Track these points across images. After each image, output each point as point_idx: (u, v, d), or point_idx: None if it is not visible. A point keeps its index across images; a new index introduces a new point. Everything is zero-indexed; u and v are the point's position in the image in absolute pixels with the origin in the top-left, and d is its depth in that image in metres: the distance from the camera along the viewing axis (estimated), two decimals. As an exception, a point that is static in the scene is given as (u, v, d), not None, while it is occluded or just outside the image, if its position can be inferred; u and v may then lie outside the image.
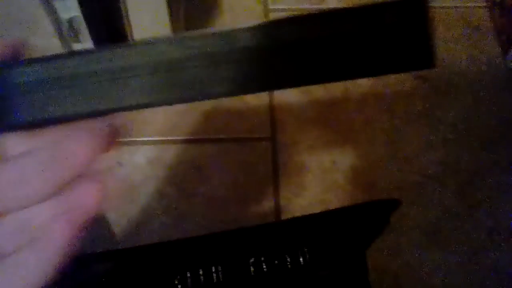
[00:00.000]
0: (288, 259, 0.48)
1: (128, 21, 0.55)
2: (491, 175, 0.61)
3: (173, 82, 0.20)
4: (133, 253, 0.50)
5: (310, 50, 0.19)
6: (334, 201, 0.58)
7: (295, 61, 0.19)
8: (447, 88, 0.63)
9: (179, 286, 0.48)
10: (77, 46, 0.58)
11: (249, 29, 0.19)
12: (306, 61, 0.19)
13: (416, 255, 0.57)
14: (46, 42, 0.63)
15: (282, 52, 0.19)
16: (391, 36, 0.19)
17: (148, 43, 0.19)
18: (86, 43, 0.57)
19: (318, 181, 0.58)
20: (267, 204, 0.57)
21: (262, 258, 0.48)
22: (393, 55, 0.19)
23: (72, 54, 0.19)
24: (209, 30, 0.19)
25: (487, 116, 0.63)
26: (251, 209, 0.57)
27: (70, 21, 0.55)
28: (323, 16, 0.19)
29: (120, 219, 0.55)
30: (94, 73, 0.19)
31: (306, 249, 0.48)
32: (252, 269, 0.47)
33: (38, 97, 0.19)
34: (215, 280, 0.48)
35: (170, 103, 0.20)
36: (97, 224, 0.55)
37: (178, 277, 0.48)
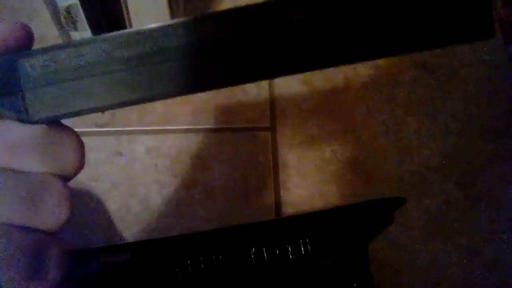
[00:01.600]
0: (290, 250, 0.48)
1: (126, 8, 0.54)
2: (493, 166, 0.60)
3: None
4: (138, 247, 0.50)
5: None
6: (335, 192, 0.57)
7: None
8: (449, 78, 0.63)
9: (179, 275, 0.47)
10: (74, 35, 0.57)
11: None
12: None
13: (417, 246, 0.57)
14: (43, 31, 0.62)
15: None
16: (445, 2, 0.18)
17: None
18: (83, 31, 0.56)
19: (319, 172, 0.58)
20: (267, 195, 0.57)
21: (264, 249, 0.47)
22: (448, 24, 0.18)
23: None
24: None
25: (489, 107, 0.62)
26: (251, 200, 0.57)
27: (68, 9, 0.54)
28: None
29: (119, 208, 0.55)
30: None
31: (308, 240, 0.48)
32: (253, 257, 0.47)
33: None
34: (215, 269, 0.48)
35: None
36: (95, 214, 0.55)
37: (178, 267, 0.48)
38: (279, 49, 0.18)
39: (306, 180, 0.58)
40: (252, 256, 0.48)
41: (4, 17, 0.63)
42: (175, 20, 0.18)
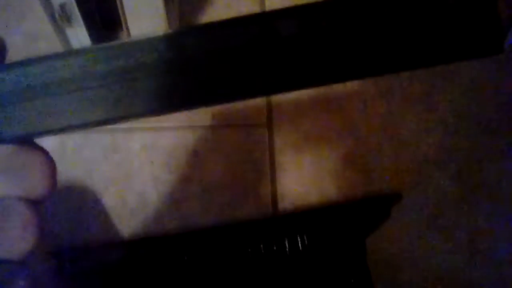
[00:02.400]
0: (287, 246, 0.48)
1: (121, 4, 0.54)
2: (490, 159, 0.60)
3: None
4: (133, 246, 0.50)
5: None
6: (332, 187, 0.57)
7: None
8: (446, 71, 0.63)
9: (177, 272, 0.48)
10: (69, 31, 0.57)
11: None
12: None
13: (414, 239, 0.57)
14: (37, 27, 0.62)
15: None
16: (452, 18, 0.17)
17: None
18: (78, 28, 0.56)
19: (315, 167, 0.58)
20: (264, 190, 0.57)
21: (261, 245, 0.47)
22: (454, 40, 0.17)
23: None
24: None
25: (487, 100, 0.62)
26: (248, 196, 0.57)
27: (62, 6, 0.54)
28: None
29: (116, 205, 0.55)
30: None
31: (305, 237, 0.48)
32: (249, 251, 0.47)
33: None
34: (213, 264, 0.48)
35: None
36: (92, 211, 0.55)
37: (176, 265, 0.48)
38: (268, 66, 0.17)
39: (303, 176, 0.58)
40: (249, 251, 0.48)
41: (-2, 14, 0.62)
42: (156, 34, 0.17)
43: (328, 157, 0.58)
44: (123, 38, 0.58)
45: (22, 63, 0.18)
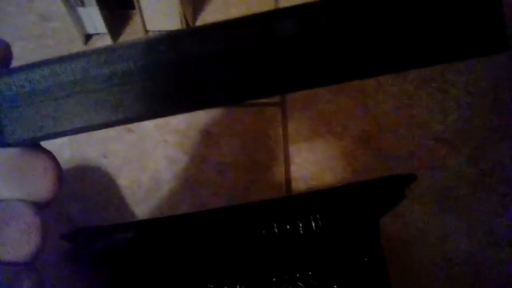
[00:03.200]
0: (300, 225, 0.48)
1: (134, -17, 0.53)
2: (505, 139, 0.60)
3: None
4: (148, 225, 0.50)
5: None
6: (345, 167, 0.57)
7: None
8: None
9: (191, 252, 0.48)
10: (82, 11, 0.56)
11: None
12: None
13: (427, 220, 0.56)
14: (49, 7, 0.62)
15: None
16: (456, 15, 0.16)
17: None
18: (91, 7, 0.56)
19: (329, 147, 0.58)
20: (277, 170, 0.57)
21: (275, 224, 0.47)
22: (458, 38, 0.17)
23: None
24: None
25: (502, 80, 0.61)
26: (261, 175, 0.57)
27: (75, -16, 0.54)
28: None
29: (130, 185, 0.55)
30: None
31: (318, 216, 0.48)
32: (263, 232, 0.47)
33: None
34: (227, 243, 0.48)
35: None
36: (107, 191, 0.55)
37: (190, 245, 0.48)
38: (270, 67, 0.17)
39: (316, 155, 0.57)
40: (263, 231, 0.48)
41: (11, -6, 0.62)
42: (157, 35, 0.17)
43: (342, 137, 0.58)
44: (136, 18, 0.58)
45: (26, 67, 0.18)
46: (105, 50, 0.17)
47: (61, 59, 0.18)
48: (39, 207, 0.19)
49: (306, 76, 0.17)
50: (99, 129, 0.18)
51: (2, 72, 0.18)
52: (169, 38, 0.17)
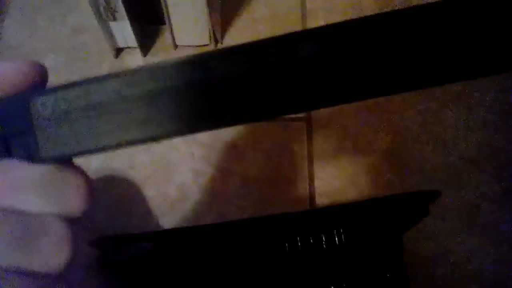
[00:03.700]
0: (324, 239, 0.48)
1: (165, 0, 0.55)
2: (530, 159, 0.59)
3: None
4: (172, 235, 0.51)
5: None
6: (369, 183, 0.57)
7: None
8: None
9: (214, 262, 0.48)
10: (113, 25, 0.58)
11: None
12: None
13: (451, 239, 0.56)
14: (82, 21, 0.64)
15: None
16: (486, 31, 0.16)
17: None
18: (122, 22, 0.57)
19: (353, 163, 0.58)
20: (301, 185, 0.57)
21: (298, 238, 0.48)
22: (486, 52, 0.17)
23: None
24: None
25: (528, 99, 0.61)
26: (285, 189, 0.57)
27: (108, 1, 0.55)
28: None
29: (156, 196, 0.56)
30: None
31: (342, 230, 0.48)
32: (287, 246, 0.48)
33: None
34: (249, 257, 0.49)
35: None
36: (133, 202, 0.56)
37: (213, 255, 0.49)
38: (296, 86, 0.18)
39: (341, 170, 0.58)
40: (286, 245, 0.48)
41: (44, 8, 0.64)
42: (185, 57, 0.18)
43: (366, 153, 0.58)
44: (165, 31, 0.59)
45: (61, 88, 0.19)
46: (136, 71, 0.18)
47: (94, 80, 0.19)
48: (71, 221, 0.20)
49: (329, 94, 0.18)
50: (129, 146, 0.19)
51: (38, 92, 0.19)
52: (197, 60, 0.18)
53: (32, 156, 0.19)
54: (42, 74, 0.20)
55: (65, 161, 0.20)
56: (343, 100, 0.18)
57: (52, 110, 0.19)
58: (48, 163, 0.19)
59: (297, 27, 0.63)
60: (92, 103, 0.19)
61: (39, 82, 0.20)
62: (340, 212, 0.51)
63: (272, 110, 0.18)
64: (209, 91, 0.18)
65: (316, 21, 0.64)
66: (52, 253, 0.19)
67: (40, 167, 0.19)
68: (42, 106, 0.19)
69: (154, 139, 0.19)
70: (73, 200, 0.20)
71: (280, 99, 0.18)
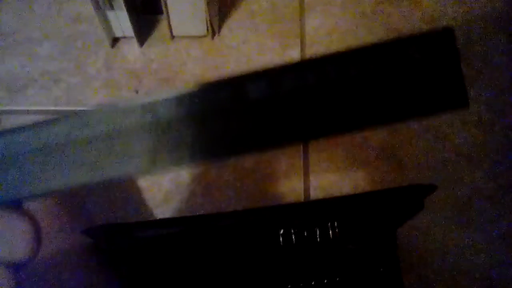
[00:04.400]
0: (318, 233, 0.48)
1: (163, -11, 0.54)
2: (526, 156, 0.59)
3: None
4: (166, 224, 0.51)
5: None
6: (364, 177, 0.57)
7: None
8: (482, 68, 0.62)
9: (207, 253, 0.48)
10: (110, 14, 0.58)
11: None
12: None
13: (445, 233, 0.56)
14: (79, 10, 0.63)
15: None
16: (417, 73, 0.18)
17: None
18: (119, 11, 0.57)
19: (349, 157, 0.58)
20: (296, 178, 0.57)
21: (292, 231, 0.48)
22: (420, 95, 0.18)
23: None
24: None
25: (525, 96, 0.61)
26: (280, 182, 0.57)
27: (104, -12, 0.55)
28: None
29: (150, 187, 0.56)
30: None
31: (336, 224, 0.48)
32: (281, 239, 0.47)
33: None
34: (243, 249, 0.49)
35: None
36: (127, 192, 0.56)
37: (206, 246, 0.48)
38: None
39: (336, 164, 0.58)
40: (280, 237, 0.48)
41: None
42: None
43: (362, 147, 0.58)
44: (163, 22, 0.59)
45: (9, 131, 0.19)
46: (86, 113, 0.18)
47: (43, 123, 0.18)
48: (16, 267, 0.19)
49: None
50: (80, 190, 0.19)
51: None
52: (147, 105, 0.18)
53: None
54: None
55: (14, 206, 0.20)
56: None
57: (1, 154, 0.18)
58: None
59: (295, 20, 0.63)
60: (40, 147, 0.18)
61: None
62: (334, 205, 0.51)
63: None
64: (160, 134, 0.18)
65: (314, 13, 0.64)
66: None
67: None
68: None
69: (104, 182, 0.19)
70: (18, 246, 0.19)
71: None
